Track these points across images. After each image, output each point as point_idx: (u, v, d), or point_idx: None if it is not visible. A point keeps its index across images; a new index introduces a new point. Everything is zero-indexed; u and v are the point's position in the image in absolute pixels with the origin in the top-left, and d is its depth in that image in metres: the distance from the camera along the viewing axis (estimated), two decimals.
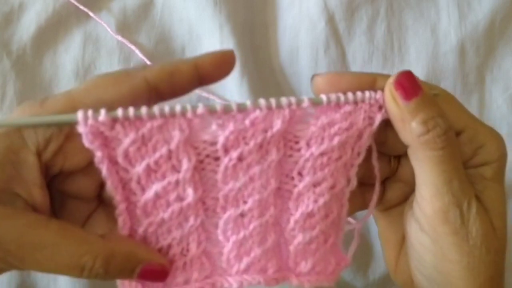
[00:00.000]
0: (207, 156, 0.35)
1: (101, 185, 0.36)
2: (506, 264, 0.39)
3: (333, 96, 0.35)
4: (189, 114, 0.33)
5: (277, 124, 0.34)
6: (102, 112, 0.32)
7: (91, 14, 0.60)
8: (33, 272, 0.57)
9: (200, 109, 0.33)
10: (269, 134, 0.35)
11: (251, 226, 0.36)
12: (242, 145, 0.35)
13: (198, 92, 0.59)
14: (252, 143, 0.34)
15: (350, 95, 0.36)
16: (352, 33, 0.61)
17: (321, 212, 0.37)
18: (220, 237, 0.37)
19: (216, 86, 0.60)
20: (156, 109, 0.33)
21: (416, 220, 0.38)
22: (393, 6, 0.62)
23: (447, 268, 0.37)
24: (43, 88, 0.59)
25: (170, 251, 0.36)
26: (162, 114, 0.33)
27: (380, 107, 0.36)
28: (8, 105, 0.57)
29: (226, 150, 0.35)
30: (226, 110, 0.34)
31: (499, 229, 0.37)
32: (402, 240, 0.42)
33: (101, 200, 0.38)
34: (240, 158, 0.35)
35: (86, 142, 0.32)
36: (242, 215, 0.36)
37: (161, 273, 0.35)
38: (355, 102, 0.36)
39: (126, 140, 0.33)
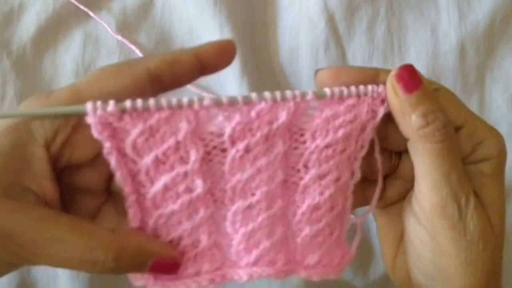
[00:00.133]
0: (214, 147, 0.35)
1: (110, 178, 0.37)
2: (503, 263, 0.39)
3: (336, 90, 0.36)
4: (195, 106, 0.34)
5: (283, 116, 0.35)
6: (111, 103, 0.33)
7: (91, 14, 0.60)
8: (33, 272, 0.57)
9: (207, 101, 0.34)
10: (274, 126, 0.35)
11: (260, 218, 0.37)
12: (249, 136, 0.35)
13: (198, 91, 0.59)
14: (258, 135, 0.35)
15: (353, 88, 0.36)
16: (352, 33, 0.61)
17: (327, 205, 0.37)
18: (229, 229, 0.37)
19: (216, 86, 0.60)
20: (163, 100, 0.33)
21: (414, 215, 0.38)
22: (393, 6, 0.62)
23: (444, 264, 0.37)
24: (43, 88, 0.59)
25: (181, 242, 0.36)
26: (170, 106, 0.33)
27: (383, 101, 0.37)
28: (8, 105, 0.57)
29: (233, 142, 0.35)
30: (232, 102, 0.34)
31: (497, 226, 0.38)
32: (401, 237, 0.42)
33: (109, 193, 0.38)
34: (247, 150, 0.35)
35: (95, 132, 0.33)
36: (250, 207, 0.36)
37: (172, 266, 0.36)
38: (358, 96, 0.36)
39: (135, 131, 0.33)
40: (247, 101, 0.35)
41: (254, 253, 0.37)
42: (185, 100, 0.34)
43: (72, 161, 0.35)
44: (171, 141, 0.34)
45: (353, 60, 0.61)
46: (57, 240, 0.32)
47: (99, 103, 0.33)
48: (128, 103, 0.33)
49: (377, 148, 0.39)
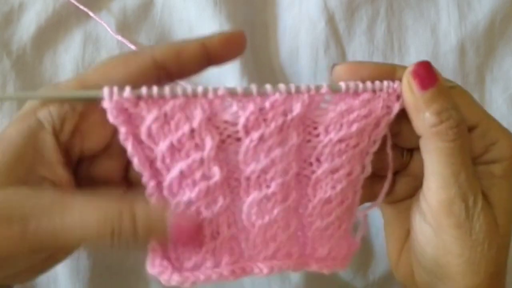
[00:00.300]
0: (229, 136, 0.35)
1: (127, 167, 0.37)
2: (508, 262, 0.39)
3: (351, 84, 0.36)
4: (210, 95, 0.34)
5: (297, 108, 0.35)
6: (127, 89, 0.33)
7: (91, 14, 0.60)
8: None
9: (221, 91, 0.34)
10: (289, 117, 0.35)
11: (275, 211, 0.37)
12: (263, 127, 0.35)
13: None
14: (273, 125, 0.35)
15: (368, 83, 0.36)
16: (352, 33, 0.61)
17: (338, 199, 0.38)
18: (245, 222, 0.37)
19: (216, 85, 0.60)
20: (178, 88, 0.34)
21: (420, 212, 0.38)
22: (393, 6, 0.62)
23: (448, 262, 0.37)
24: None
25: (200, 232, 0.36)
26: (185, 93, 0.34)
27: (398, 97, 0.37)
28: (8, 105, 0.57)
29: (247, 131, 0.35)
30: (246, 92, 0.34)
31: (503, 226, 0.37)
32: (407, 235, 0.42)
33: (128, 183, 0.38)
34: (261, 140, 0.35)
35: (111, 117, 0.33)
36: (265, 199, 0.36)
37: (195, 230, 0.35)
38: (373, 91, 0.36)
39: (149, 117, 0.34)
40: (262, 92, 0.35)
41: (272, 246, 0.37)
42: (200, 88, 0.34)
43: (85, 150, 0.35)
44: (186, 128, 0.34)
45: (353, 60, 0.61)
46: (73, 208, 0.32)
47: (115, 88, 0.33)
48: (144, 90, 0.33)
49: (389, 143, 0.39)
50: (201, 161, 0.35)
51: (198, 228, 0.35)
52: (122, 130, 0.34)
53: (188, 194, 0.35)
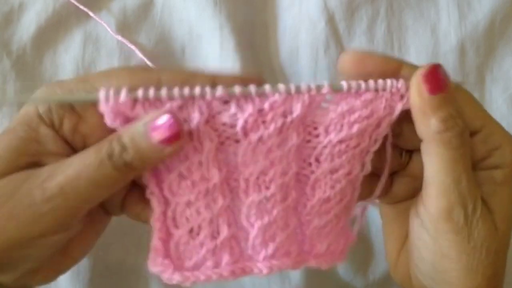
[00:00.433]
0: (228, 138, 0.35)
1: None
2: (507, 264, 0.39)
3: (353, 83, 0.35)
4: (208, 97, 0.34)
5: (297, 109, 0.35)
6: (123, 92, 0.33)
7: (91, 14, 0.60)
8: None
9: (219, 92, 0.34)
10: (289, 119, 0.35)
11: (275, 211, 0.36)
12: (262, 128, 0.35)
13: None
14: (272, 127, 0.35)
15: (371, 83, 0.35)
16: (352, 33, 0.61)
17: (336, 198, 0.37)
18: (245, 223, 0.37)
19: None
20: (175, 90, 0.33)
21: (419, 216, 0.38)
22: (393, 6, 0.62)
23: (445, 267, 0.37)
24: None
25: (200, 232, 0.36)
26: (182, 95, 0.33)
27: (401, 97, 0.36)
28: (8, 106, 0.57)
29: (246, 133, 0.35)
30: (245, 93, 0.34)
31: (503, 231, 0.37)
32: (406, 236, 0.42)
33: (133, 183, 0.39)
34: (259, 141, 0.35)
35: (108, 120, 0.33)
36: (265, 200, 0.36)
37: (171, 123, 0.34)
38: (376, 90, 0.35)
39: None
40: (261, 93, 0.34)
41: (271, 246, 0.37)
42: (197, 90, 0.34)
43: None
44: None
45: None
46: (73, 163, 0.33)
47: (111, 91, 0.33)
48: (140, 93, 0.33)
49: (389, 141, 0.38)
50: (200, 163, 0.35)
51: (177, 121, 0.34)
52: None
53: (188, 195, 0.36)
